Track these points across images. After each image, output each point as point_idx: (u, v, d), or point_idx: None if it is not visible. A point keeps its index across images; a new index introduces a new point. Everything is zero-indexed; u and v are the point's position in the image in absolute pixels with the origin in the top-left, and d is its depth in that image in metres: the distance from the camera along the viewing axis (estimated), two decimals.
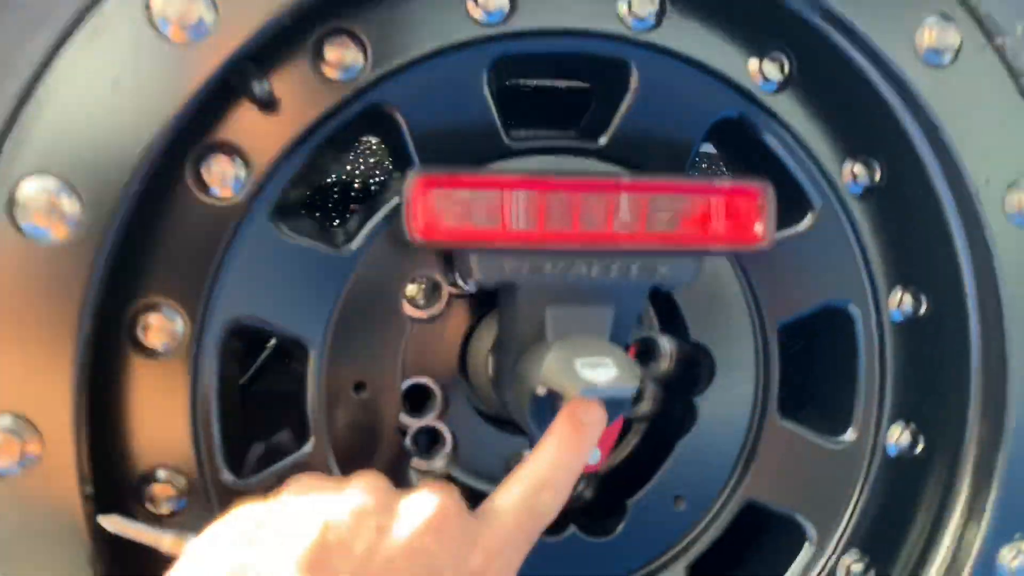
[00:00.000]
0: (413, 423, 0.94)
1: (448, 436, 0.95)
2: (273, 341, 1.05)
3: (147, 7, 0.61)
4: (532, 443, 0.86)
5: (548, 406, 0.74)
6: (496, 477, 0.97)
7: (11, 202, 0.60)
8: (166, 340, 0.69)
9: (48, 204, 0.59)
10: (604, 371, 0.70)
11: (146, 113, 0.61)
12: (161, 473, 0.70)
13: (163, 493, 0.70)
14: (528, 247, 0.69)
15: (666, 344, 0.95)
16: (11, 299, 0.61)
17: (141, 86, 0.60)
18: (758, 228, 0.71)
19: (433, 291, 0.92)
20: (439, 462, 0.96)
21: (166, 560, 0.60)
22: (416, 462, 0.92)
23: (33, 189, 0.60)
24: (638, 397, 1.01)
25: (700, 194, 0.71)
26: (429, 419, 0.95)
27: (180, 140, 0.65)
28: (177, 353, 0.69)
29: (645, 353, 0.96)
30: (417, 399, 0.93)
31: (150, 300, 0.69)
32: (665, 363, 0.96)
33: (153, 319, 0.69)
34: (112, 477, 0.69)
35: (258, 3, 0.63)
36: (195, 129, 0.67)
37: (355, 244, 0.76)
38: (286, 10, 0.63)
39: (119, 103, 0.61)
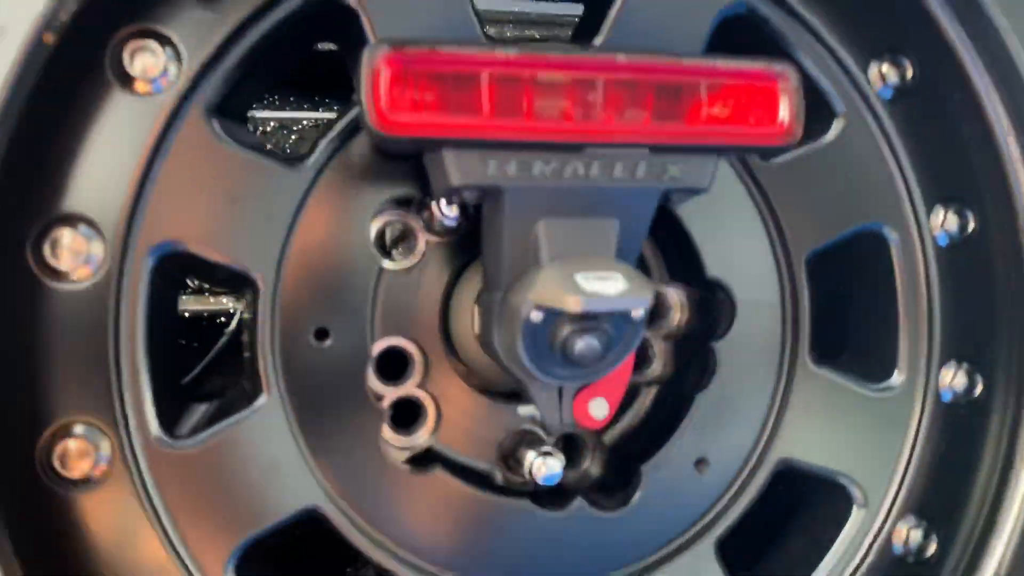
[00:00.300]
0: (389, 392, 0.81)
1: (430, 407, 0.82)
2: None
3: None
4: (526, 397, 0.74)
5: (544, 333, 0.62)
6: (485, 454, 0.85)
7: None
8: (80, 264, 0.57)
9: None
10: (611, 283, 0.59)
11: None
12: (77, 428, 0.58)
13: (77, 452, 0.57)
14: (514, 140, 0.58)
15: (674, 295, 0.83)
16: None
17: None
18: (783, 116, 0.61)
19: (408, 238, 0.81)
20: (420, 437, 0.83)
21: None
22: (394, 437, 0.80)
23: None
24: (645, 357, 0.89)
25: (714, 77, 0.60)
26: (408, 388, 0.82)
27: (99, 20, 0.54)
28: (93, 280, 0.58)
29: (652, 308, 0.85)
30: (393, 365, 0.81)
31: (62, 213, 0.58)
32: (675, 317, 0.84)
33: (66, 237, 0.57)
34: (13, 433, 0.56)
35: None
36: (115, 12, 0.56)
37: (312, 160, 0.65)
38: None
39: None
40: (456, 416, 0.79)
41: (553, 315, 0.59)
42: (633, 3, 0.66)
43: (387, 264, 0.74)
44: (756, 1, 0.70)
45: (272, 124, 0.92)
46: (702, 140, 0.61)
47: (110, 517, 0.57)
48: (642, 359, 0.87)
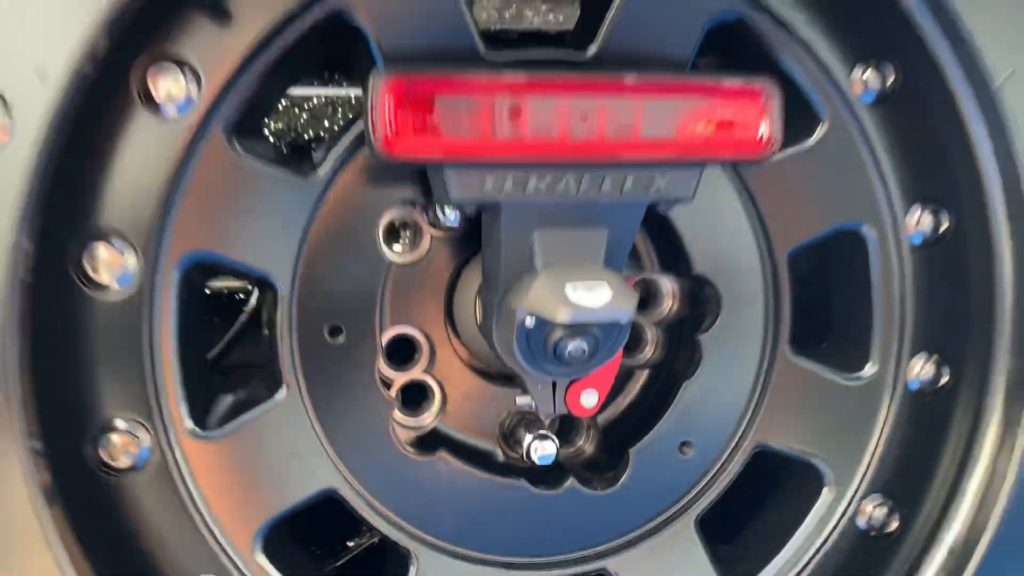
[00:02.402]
0: (398, 376, 0.87)
1: (436, 390, 0.89)
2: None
3: None
4: (523, 386, 0.81)
5: (538, 336, 0.67)
6: (487, 433, 0.91)
7: None
8: (118, 275, 0.63)
9: None
10: (597, 294, 0.64)
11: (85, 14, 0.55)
12: (120, 423, 0.64)
13: (121, 445, 0.64)
14: (511, 160, 0.63)
15: (667, 284, 0.88)
16: None
17: None
18: (763, 132, 0.65)
19: (414, 234, 0.86)
20: (427, 418, 0.90)
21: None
22: (402, 418, 0.86)
23: None
24: (638, 342, 0.95)
25: (699, 95, 0.64)
26: (415, 372, 0.89)
27: (123, 50, 0.59)
28: (130, 291, 0.63)
29: (645, 295, 0.90)
30: (402, 351, 0.87)
31: (99, 230, 0.63)
32: (668, 304, 0.90)
33: (102, 251, 0.63)
34: (66, 428, 0.63)
35: None
36: (138, 38, 0.60)
37: (323, 171, 0.70)
38: None
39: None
40: (460, 398, 0.86)
41: (545, 322, 0.64)
42: (626, 12, 0.70)
43: (395, 258, 0.80)
44: (744, 10, 0.73)
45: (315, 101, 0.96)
46: (687, 155, 0.66)
47: (152, 501, 0.64)
48: (635, 343, 0.93)
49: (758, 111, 0.65)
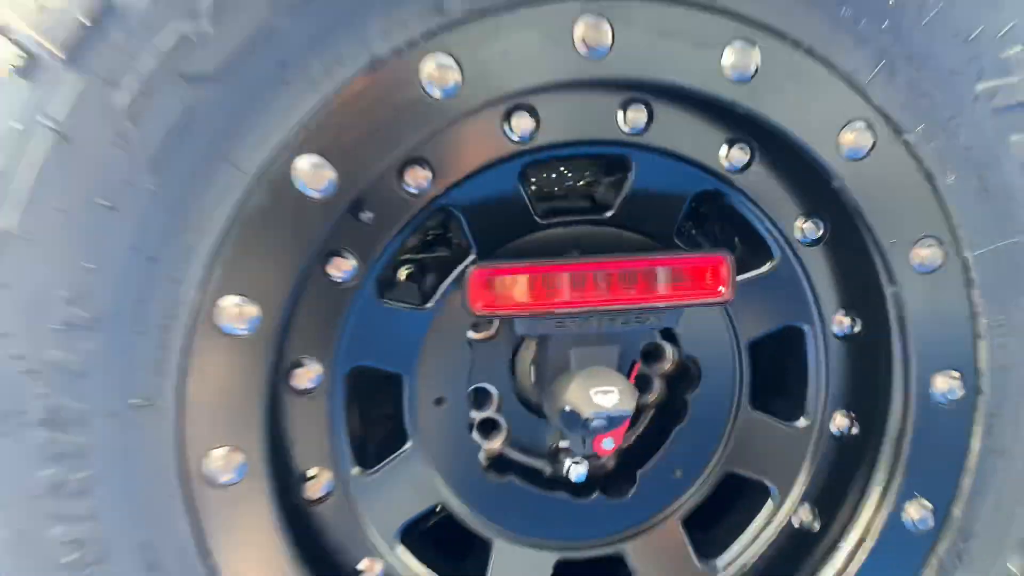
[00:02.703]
0: (477, 415, 1.25)
1: (503, 424, 1.25)
2: None
3: None
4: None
5: (573, 417, 1.03)
6: (541, 453, 1.28)
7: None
8: (311, 383, 1.00)
9: (237, 313, 0.88)
10: (610, 397, 0.99)
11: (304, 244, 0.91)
12: (313, 472, 1.03)
13: (316, 485, 1.03)
14: (557, 312, 0.97)
15: (668, 349, 1.23)
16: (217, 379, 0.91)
17: None
18: (722, 289, 0.98)
19: (489, 320, 1.22)
20: (496, 444, 1.27)
21: None
22: (479, 443, 1.24)
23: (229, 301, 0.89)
24: (648, 386, 1.29)
25: (679, 265, 0.98)
26: (489, 412, 1.26)
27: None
28: (320, 391, 1.00)
29: (653, 355, 1.24)
30: (480, 397, 1.24)
31: (300, 356, 1.00)
32: (668, 364, 1.24)
33: (304, 367, 1.00)
34: (286, 476, 1.02)
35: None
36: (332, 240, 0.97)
37: (431, 303, 1.05)
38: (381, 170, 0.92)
39: None
40: (521, 430, 1.22)
41: (575, 411, 1.00)
42: (633, 190, 1.02)
43: (476, 335, 1.15)
44: (718, 184, 1.04)
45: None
46: (672, 302, 0.99)
47: (335, 518, 1.03)
48: (644, 387, 1.28)
49: (720, 273, 0.98)
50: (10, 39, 0.78)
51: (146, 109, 0.78)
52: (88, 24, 0.76)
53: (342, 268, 0.98)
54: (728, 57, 0.90)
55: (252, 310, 0.88)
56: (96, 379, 0.83)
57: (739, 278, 1.06)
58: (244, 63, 0.79)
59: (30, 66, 0.77)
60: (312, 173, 0.86)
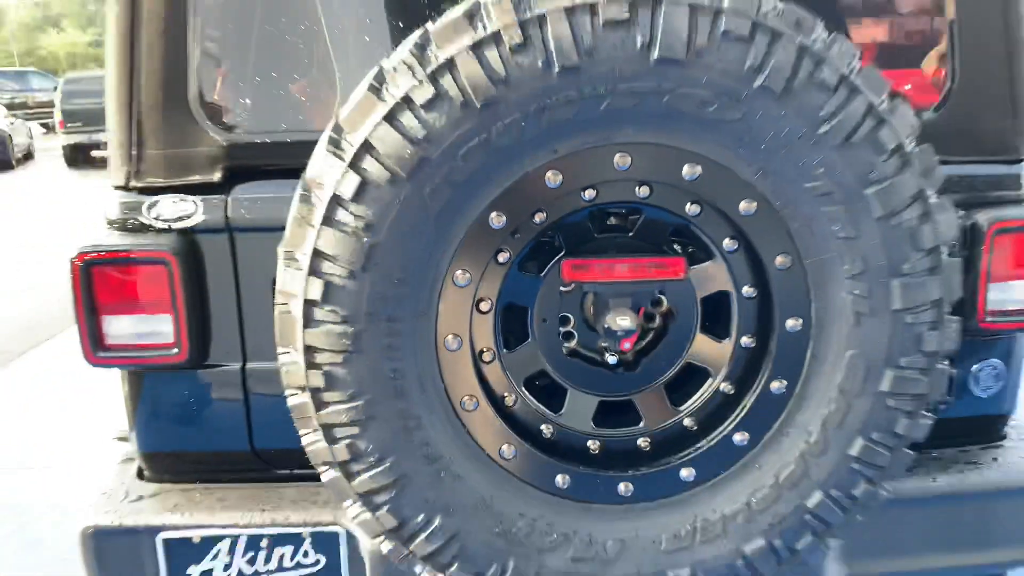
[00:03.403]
0: (563, 329, 2.36)
1: (575, 334, 2.35)
2: None
3: None
4: None
5: (609, 330, 2.13)
6: (594, 349, 2.38)
7: None
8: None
9: None
10: (626, 322, 2.08)
11: None
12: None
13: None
14: (600, 282, 2.06)
15: (662, 299, 2.31)
16: None
17: None
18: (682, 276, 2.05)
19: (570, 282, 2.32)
20: (572, 344, 2.38)
21: None
22: (563, 343, 2.35)
23: None
24: (649, 319, 2.38)
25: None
26: (568, 328, 2.37)
27: None
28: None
29: (653, 302, 2.32)
30: (563, 320, 2.34)
31: None
32: (661, 307, 2.32)
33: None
34: None
35: None
36: None
37: (543, 272, 2.14)
38: None
39: None
40: (584, 338, 2.32)
41: (611, 327, 2.08)
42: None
43: (562, 289, 2.25)
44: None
45: None
46: (660, 278, 2.06)
47: None
48: (648, 318, 2.35)
49: (681, 267, 2.04)
50: None
51: None
52: None
53: None
54: None
55: None
56: None
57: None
58: None
59: None
60: None
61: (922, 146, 1.84)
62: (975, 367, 2.68)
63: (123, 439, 2.92)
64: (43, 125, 38.52)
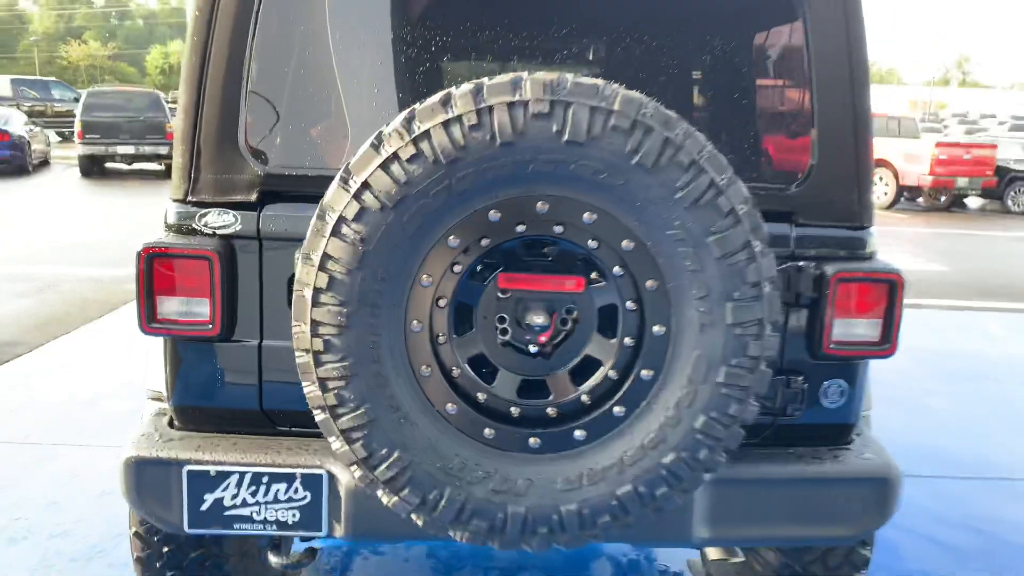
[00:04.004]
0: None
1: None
2: None
3: None
4: None
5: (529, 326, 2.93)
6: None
7: None
8: None
9: None
10: (541, 321, 2.88)
11: None
12: None
13: None
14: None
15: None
16: None
17: None
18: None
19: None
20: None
21: None
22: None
23: None
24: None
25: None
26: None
27: None
28: None
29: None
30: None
31: None
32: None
33: None
34: None
35: None
36: None
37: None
38: None
39: None
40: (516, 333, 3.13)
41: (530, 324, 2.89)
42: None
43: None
44: None
45: None
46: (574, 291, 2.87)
47: None
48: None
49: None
50: None
51: None
52: None
53: None
54: None
55: None
56: None
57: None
58: None
59: None
60: None
61: (751, 209, 2.67)
62: (824, 384, 3.47)
63: (156, 398, 3.71)
64: (59, 134, 39.52)
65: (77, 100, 40.59)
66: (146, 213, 20.51)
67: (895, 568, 4.87)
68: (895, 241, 17.93)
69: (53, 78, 49.18)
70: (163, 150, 25.37)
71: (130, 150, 25.41)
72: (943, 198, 24.94)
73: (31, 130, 26.91)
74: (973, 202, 27.48)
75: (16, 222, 16.46)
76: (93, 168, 26.61)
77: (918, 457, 6.44)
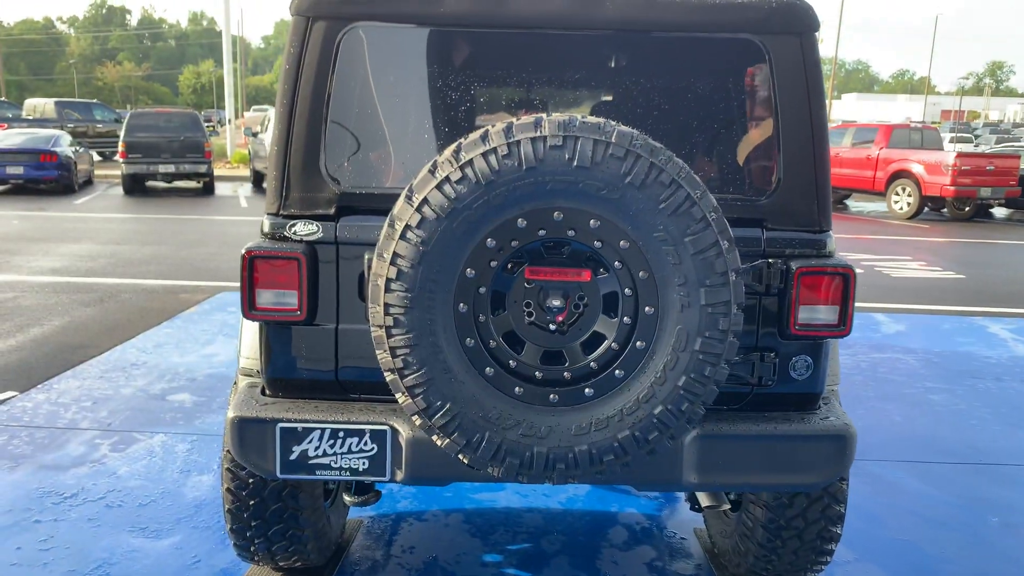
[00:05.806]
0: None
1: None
2: None
3: None
4: None
5: (550, 308, 3.77)
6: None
7: None
8: None
9: None
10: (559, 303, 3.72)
11: None
12: None
13: None
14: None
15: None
16: None
17: None
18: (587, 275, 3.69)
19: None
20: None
21: None
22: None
23: None
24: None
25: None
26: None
27: None
28: None
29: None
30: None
31: None
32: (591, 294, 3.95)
33: None
34: None
35: None
36: None
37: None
38: None
39: None
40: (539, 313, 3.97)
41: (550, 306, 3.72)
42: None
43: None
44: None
45: None
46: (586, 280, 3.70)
47: None
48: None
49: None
50: None
51: None
52: None
53: None
54: None
55: None
56: None
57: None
58: None
59: None
60: None
61: (719, 216, 3.49)
62: (792, 360, 4.25)
63: (247, 374, 4.60)
64: (100, 154, 41.05)
65: (117, 121, 42.14)
66: (191, 229, 21.55)
67: (880, 536, 5.16)
68: (913, 250, 17.68)
69: (95, 100, 50.94)
70: (202, 168, 25.70)
71: (170, 169, 26.01)
72: (967, 208, 24.58)
73: (76, 150, 28.13)
74: (999, 212, 26.72)
75: (72, 237, 17.58)
76: (135, 186, 27.80)
77: (914, 446, 6.73)
